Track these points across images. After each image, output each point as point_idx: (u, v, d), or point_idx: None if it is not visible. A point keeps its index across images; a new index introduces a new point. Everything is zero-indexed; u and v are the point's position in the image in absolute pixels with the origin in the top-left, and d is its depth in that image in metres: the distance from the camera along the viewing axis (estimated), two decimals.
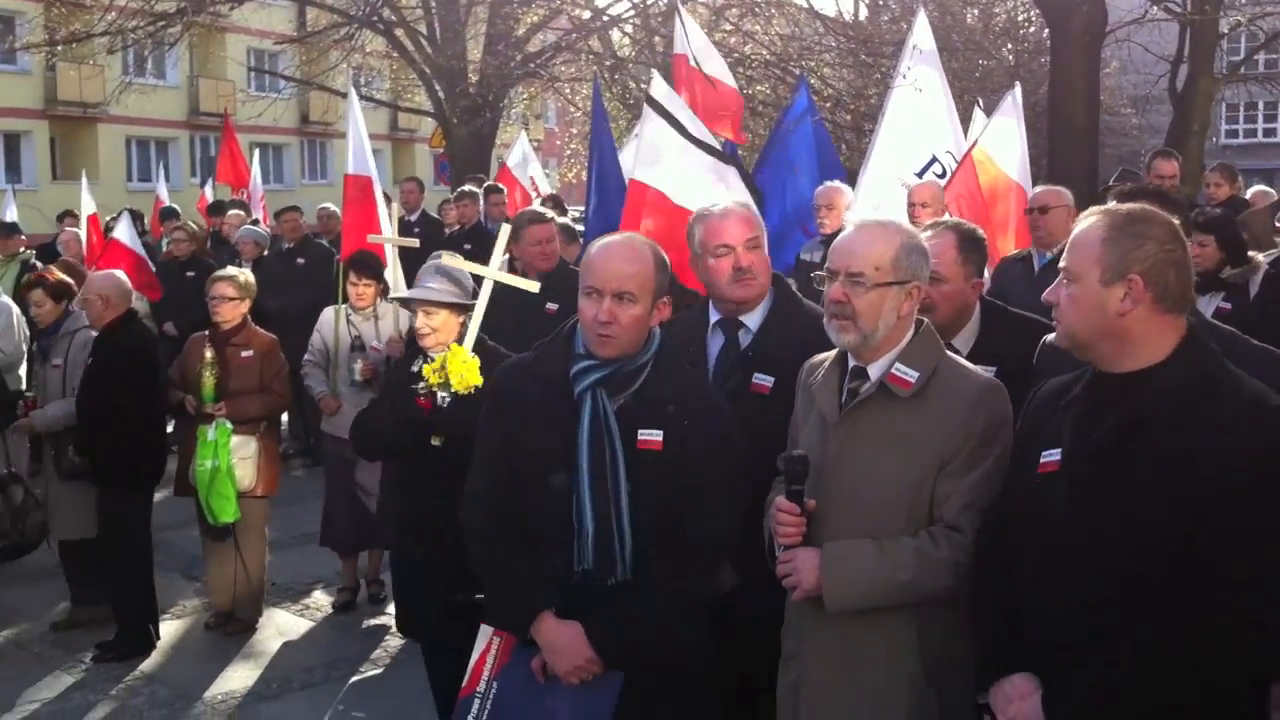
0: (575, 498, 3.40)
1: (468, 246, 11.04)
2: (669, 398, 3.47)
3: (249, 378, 7.01)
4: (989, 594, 2.98)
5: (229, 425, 6.78)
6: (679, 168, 6.25)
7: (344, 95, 23.96)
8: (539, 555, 3.47)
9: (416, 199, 12.56)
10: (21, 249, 12.07)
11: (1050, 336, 3.73)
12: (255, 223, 13.05)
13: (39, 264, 11.74)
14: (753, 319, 4.03)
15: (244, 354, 7.03)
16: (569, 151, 29.34)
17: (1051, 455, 2.86)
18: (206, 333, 7.13)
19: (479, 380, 4.64)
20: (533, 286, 4.98)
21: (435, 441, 4.78)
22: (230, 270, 7.49)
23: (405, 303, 5.46)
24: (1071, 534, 2.76)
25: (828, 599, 3.16)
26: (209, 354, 6.84)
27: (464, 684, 3.56)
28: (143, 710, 6.24)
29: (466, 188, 11.94)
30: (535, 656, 3.47)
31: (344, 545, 7.54)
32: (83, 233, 12.29)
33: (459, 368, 4.69)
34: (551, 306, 6.58)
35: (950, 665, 3.17)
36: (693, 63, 8.15)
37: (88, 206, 12.40)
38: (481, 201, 11.79)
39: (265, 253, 11.41)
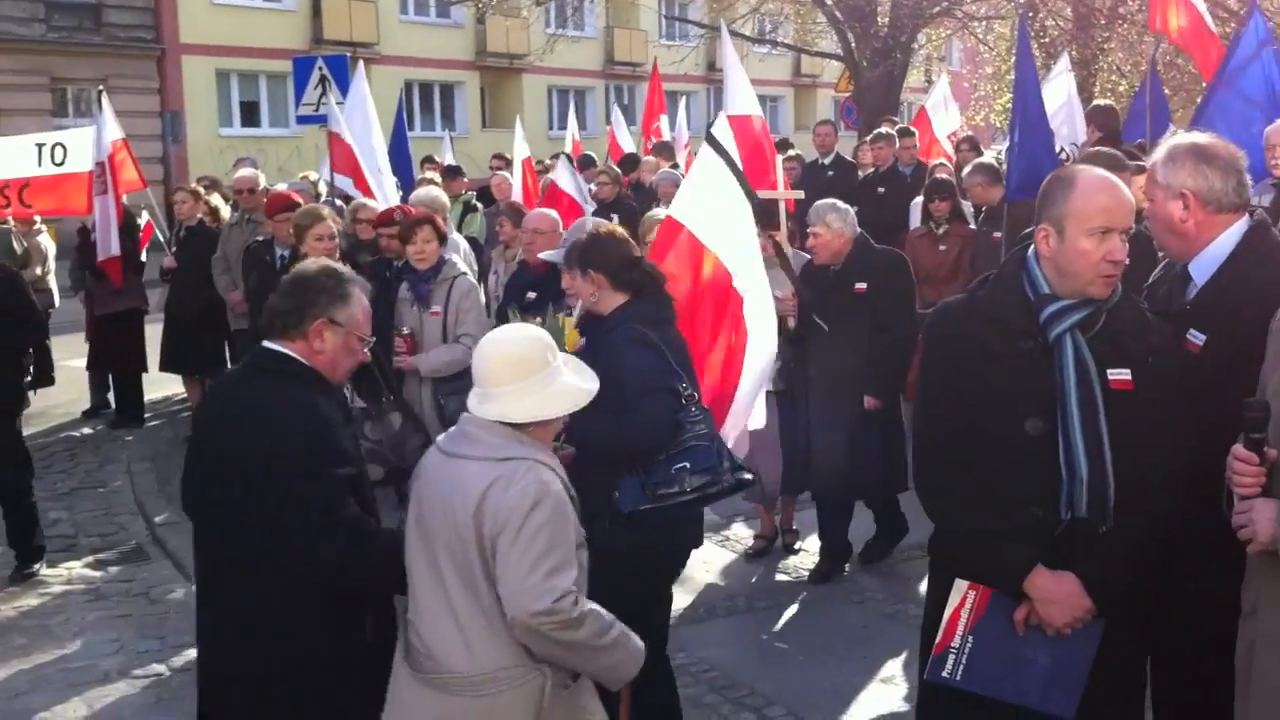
0: (1063, 443, 3.33)
1: (881, 190, 11.07)
2: (1131, 335, 3.40)
3: None
4: None
5: None
6: (716, 210, 5.53)
7: (751, 39, 24.63)
8: (1011, 505, 3.40)
9: (831, 142, 12.60)
10: (463, 190, 13.06)
11: None
12: (675, 167, 13.49)
13: (479, 205, 12.69)
14: (1200, 270, 3.71)
15: None
16: (977, 94, 28.46)
17: None
18: None
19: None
20: None
21: None
22: (657, 212, 7.78)
23: None
24: None
25: None
26: None
27: (938, 639, 3.55)
28: None
29: (882, 130, 11.87)
30: (1018, 608, 3.44)
31: (756, 497, 7.65)
32: (515, 177, 13.09)
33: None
34: (861, 286, 6.64)
35: None
36: None
37: (521, 151, 13.18)
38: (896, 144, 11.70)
39: None
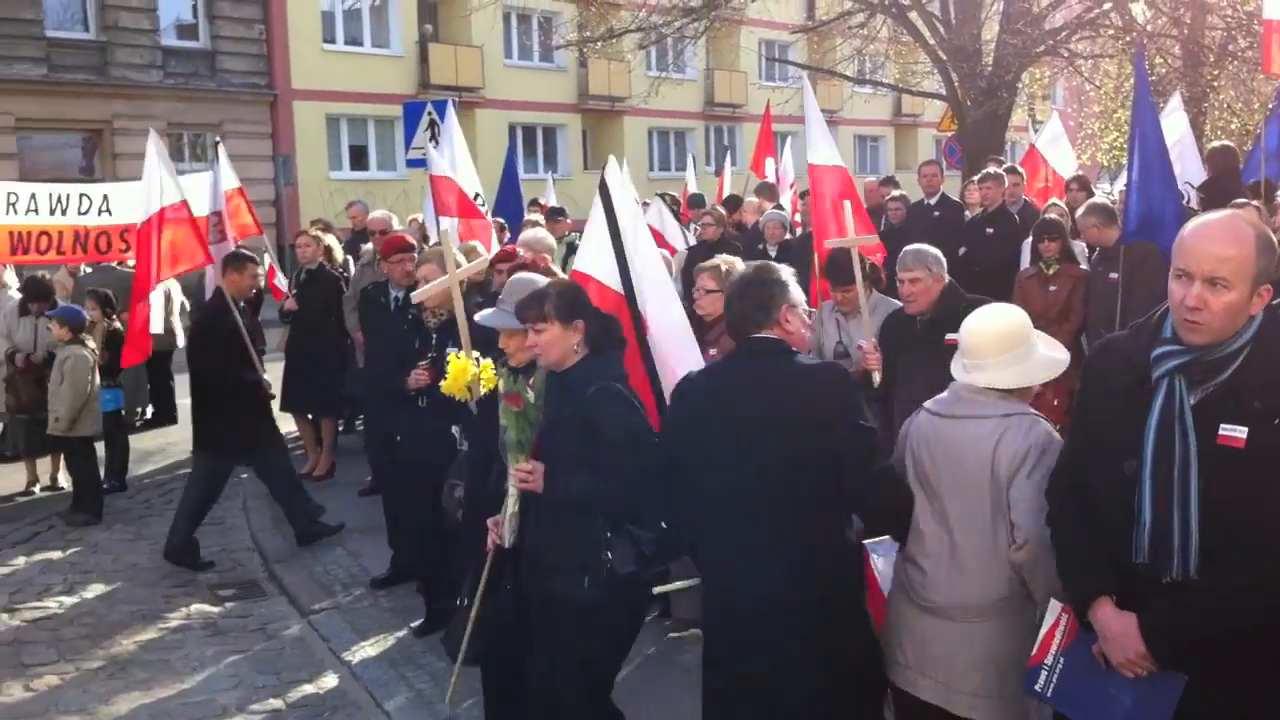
0: (1138, 487, 3.26)
1: (990, 230, 10.94)
2: (1258, 390, 3.16)
3: None
4: None
5: None
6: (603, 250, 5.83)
7: (854, 80, 24.57)
8: (1104, 536, 3.38)
9: (937, 182, 12.47)
10: (567, 232, 13.17)
11: None
12: (780, 208, 13.47)
13: None
14: None
15: (711, 352, 6.71)
16: (1084, 133, 28.06)
17: None
18: None
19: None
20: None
21: None
22: (714, 261, 7.16)
23: None
24: None
25: None
26: None
27: (1033, 652, 3.63)
28: None
29: (990, 169, 11.72)
30: (1096, 642, 3.42)
31: None
32: None
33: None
34: (952, 337, 6.14)
35: None
36: None
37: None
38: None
39: (788, 236, 11.72)
